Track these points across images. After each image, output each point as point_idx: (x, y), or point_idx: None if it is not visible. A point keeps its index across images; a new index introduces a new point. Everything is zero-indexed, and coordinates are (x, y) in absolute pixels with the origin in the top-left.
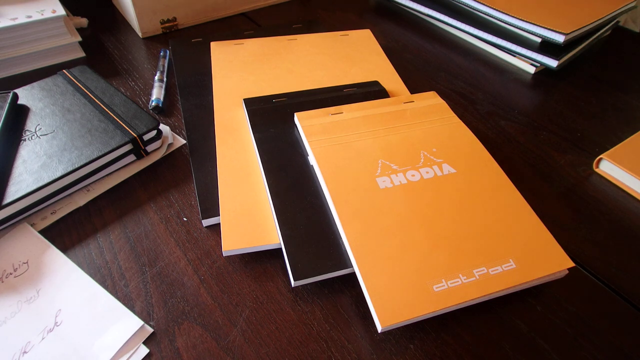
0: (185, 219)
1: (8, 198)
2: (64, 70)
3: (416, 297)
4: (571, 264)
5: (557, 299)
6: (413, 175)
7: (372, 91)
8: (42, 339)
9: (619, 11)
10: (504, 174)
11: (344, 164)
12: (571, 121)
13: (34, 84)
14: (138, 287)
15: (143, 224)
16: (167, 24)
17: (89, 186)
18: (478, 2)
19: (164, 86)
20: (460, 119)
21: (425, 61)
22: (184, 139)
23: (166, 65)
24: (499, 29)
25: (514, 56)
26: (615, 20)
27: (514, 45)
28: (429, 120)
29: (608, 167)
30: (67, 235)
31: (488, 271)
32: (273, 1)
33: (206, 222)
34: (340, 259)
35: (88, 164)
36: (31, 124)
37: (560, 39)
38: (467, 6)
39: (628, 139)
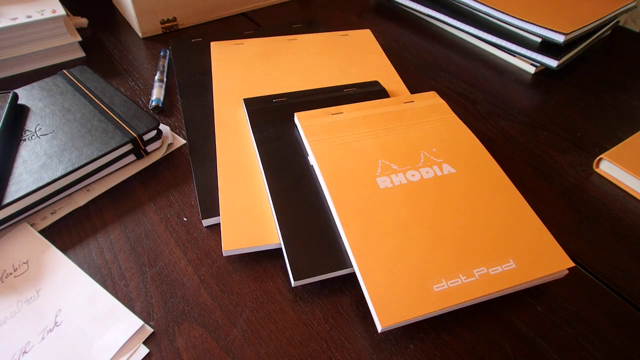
0: (185, 219)
1: (8, 198)
2: (64, 70)
3: (416, 297)
4: (571, 264)
5: (557, 299)
6: (413, 175)
7: (372, 91)
8: (42, 339)
9: (619, 11)
10: (504, 174)
11: (344, 164)
12: (571, 121)
13: (34, 84)
14: (138, 287)
15: (143, 224)
16: (167, 24)
17: (89, 186)
18: (478, 2)
19: (164, 86)
20: (460, 119)
21: (425, 61)
22: (184, 139)
23: (166, 65)
24: (499, 29)
25: (514, 56)
26: (615, 20)
27: (514, 45)
28: (429, 120)
29: (608, 167)
30: (67, 235)
31: (488, 271)
32: (273, 1)
33: (206, 222)
34: (340, 259)
35: (88, 164)
36: (31, 124)
37: (560, 39)
38: (467, 6)
39: (628, 139)
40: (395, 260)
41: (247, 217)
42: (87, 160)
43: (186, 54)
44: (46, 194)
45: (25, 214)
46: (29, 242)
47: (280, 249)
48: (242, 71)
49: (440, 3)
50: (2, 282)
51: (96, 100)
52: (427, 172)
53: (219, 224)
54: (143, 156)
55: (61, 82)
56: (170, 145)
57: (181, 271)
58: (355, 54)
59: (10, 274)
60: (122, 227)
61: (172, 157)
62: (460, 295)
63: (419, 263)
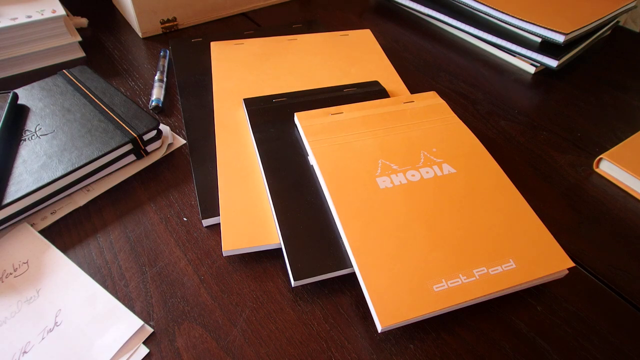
0: (185, 219)
1: (8, 198)
2: (64, 70)
3: (416, 297)
4: (571, 264)
5: (557, 299)
6: (413, 175)
7: (372, 91)
8: (42, 339)
9: (619, 11)
10: (504, 174)
11: (344, 164)
12: (571, 121)
13: (34, 84)
14: (138, 287)
15: (143, 224)
16: (167, 24)
17: (89, 186)
18: (478, 2)
19: (164, 86)
20: (460, 119)
21: (425, 61)
22: (184, 139)
23: (166, 65)
24: (499, 29)
25: (514, 56)
26: (615, 20)
27: (514, 45)
28: (429, 120)
29: (608, 167)
30: (67, 235)
31: (488, 271)
32: (273, 1)
33: (206, 222)
34: (340, 259)
35: (88, 164)
36: (31, 124)
37: (560, 39)
38: (467, 6)
39: (628, 139)
40: (395, 260)
41: (247, 217)
42: (87, 160)
43: (186, 54)
44: (46, 194)
45: (25, 214)
46: (29, 242)
47: (280, 249)
48: (242, 71)
49: (440, 3)
50: (2, 282)
51: (96, 100)
52: (427, 172)
53: (219, 224)
54: (143, 156)
55: (61, 82)
56: (170, 145)
57: (181, 271)
58: (355, 54)
59: (10, 274)
60: (122, 227)
61: (172, 157)
62: (460, 295)
63: (419, 263)
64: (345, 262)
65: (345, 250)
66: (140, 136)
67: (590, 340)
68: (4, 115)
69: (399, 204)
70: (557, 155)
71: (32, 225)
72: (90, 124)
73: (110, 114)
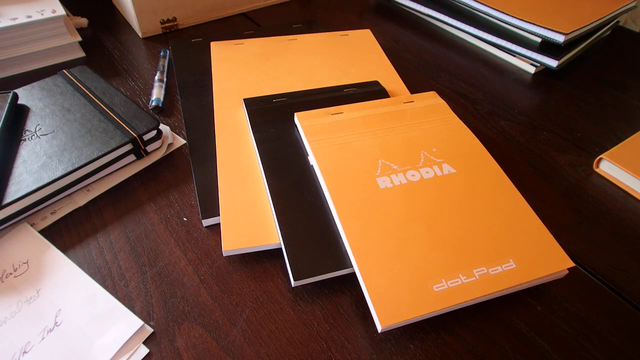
0: (185, 219)
1: (8, 198)
2: (64, 70)
3: (416, 297)
4: (571, 264)
5: (557, 299)
6: (413, 175)
7: (372, 91)
8: (42, 339)
9: (619, 11)
10: (504, 174)
11: (344, 164)
12: (571, 121)
13: (34, 84)
14: (138, 287)
15: (143, 224)
16: (167, 24)
17: (89, 186)
18: (478, 2)
19: (164, 86)
20: (460, 119)
21: (425, 61)
22: (184, 139)
23: (166, 65)
24: (499, 29)
25: (514, 56)
26: (615, 20)
27: (514, 45)
28: (429, 120)
29: (608, 167)
30: (67, 235)
31: (488, 271)
32: (273, 1)
33: (206, 222)
34: (340, 259)
35: (88, 164)
36: (31, 124)
37: (560, 39)
38: (467, 6)
39: (628, 139)
40: (395, 260)
41: (247, 217)
42: (87, 160)
43: (186, 54)
44: (46, 194)
45: (25, 214)
46: (29, 242)
47: (280, 249)
48: (242, 71)
49: (440, 3)
50: (2, 282)
51: (96, 100)
52: (427, 172)
53: (219, 224)
54: (143, 156)
55: (61, 82)
56: (170, 145)
57: (181, 271)
58: (355, 54)
59: (10, 274)
60: (122, 227)
61: (172, 157)
62: (460, 295)
63: (419, 263)
64: (345, 262)
65: (345, 250)
66: (140, 136)
67: (590, 340)
68: (4, 115)
69: (399, 204)
70: (557, 155)
71: (32, 225)
72: (90, 124)
73: (110, 114)
